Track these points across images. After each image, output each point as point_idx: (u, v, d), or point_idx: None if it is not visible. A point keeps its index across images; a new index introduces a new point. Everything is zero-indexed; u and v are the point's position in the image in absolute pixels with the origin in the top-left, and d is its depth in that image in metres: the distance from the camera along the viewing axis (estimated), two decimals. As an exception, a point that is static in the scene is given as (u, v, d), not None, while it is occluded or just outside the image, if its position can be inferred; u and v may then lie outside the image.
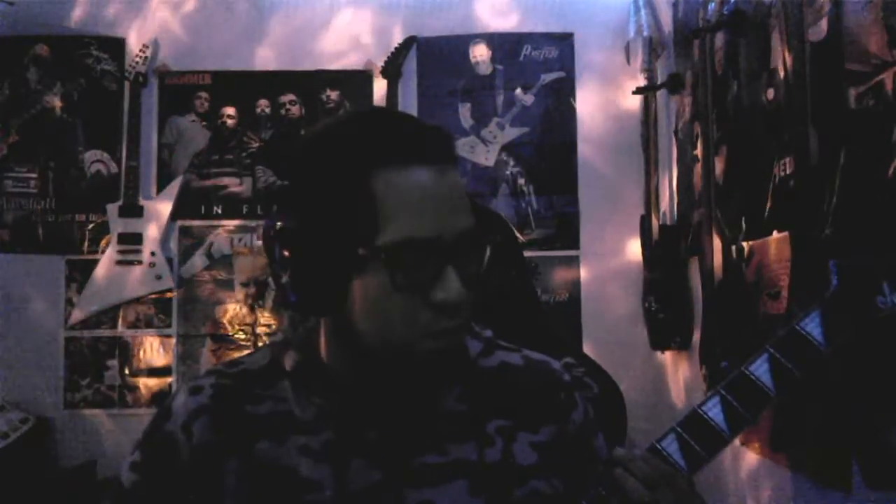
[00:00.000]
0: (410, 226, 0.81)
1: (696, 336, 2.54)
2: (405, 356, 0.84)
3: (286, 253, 0.84)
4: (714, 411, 0.88)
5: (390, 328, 0.83)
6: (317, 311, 0.89)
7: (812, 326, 0.87)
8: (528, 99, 3.32)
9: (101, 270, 3.24)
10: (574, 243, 3.27)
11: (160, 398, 3.20)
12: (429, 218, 0.81)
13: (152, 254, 3.24)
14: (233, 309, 3.28)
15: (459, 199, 0.85)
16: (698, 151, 2.52)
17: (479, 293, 0.86)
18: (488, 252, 0.87)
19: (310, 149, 0.88)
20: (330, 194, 0.83)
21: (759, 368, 0.88)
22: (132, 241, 3.24)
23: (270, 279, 3.32)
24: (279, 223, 0.85)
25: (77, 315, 3.24)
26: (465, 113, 3.33)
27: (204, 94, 3.35)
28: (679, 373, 2.87)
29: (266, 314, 3.28)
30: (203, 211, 3.32)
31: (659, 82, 2.98)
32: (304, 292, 0.85)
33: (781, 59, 1.86)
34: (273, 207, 0.88)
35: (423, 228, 0.81)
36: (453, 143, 0.88)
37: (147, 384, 3.25)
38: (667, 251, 2.84)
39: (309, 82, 3.35)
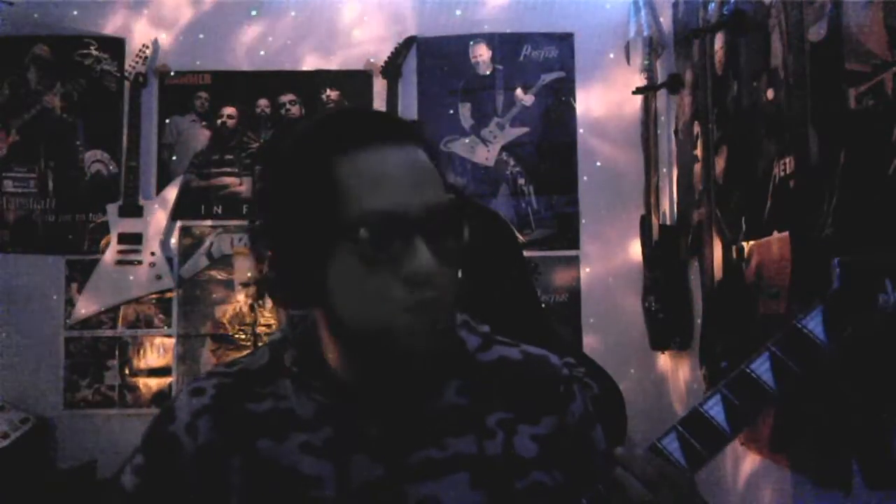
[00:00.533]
0: (373, 199, 0.82)
1: (696, 336, 2.54)
2: (385, 334, 0.84)
3: (266, 250, 0.87)
4: (715, 410, 0.87)
5: (367, 308, 0.83)
6: (300, 302, 0.90)
7: (814, 324, 0.87)
8: (528, 99, 3.33)
9: (101, 270, 3.24)
10: (574, 243, 3.27)
11: (160, 398, 3.20)
12: (389, 192, 0.82)
13: (152, 254, 3.24)
14: (233, 309, 3.28)
15: (424, 175, 0.86)
16: (698, 151, 2.53)
17: (459, 269, 0.87)
18: (466, 228, 0.87)
19: (278, 148, 0.90)
20: (295, 185, 0.85)
21: (761, 367, 0.87)
22: (132, 241, 3.24)
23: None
24: (257, 222, 0.88)
25: (77, 315, 3.24)
26: (465, 113, 3.34)
27: (204, 94, 3.35)
28: (679, 373, 2.87)
29: (266, 314, 3.28)
30: (203, 211, 3.32)
31: (659, 82, 2.98)
32: (285, 285, 0.87)
33: (781, 59, 1.86)
34: (254, 210, 0.91)
35: (385, 201, 0.82)
36: (422, 129, 0.89)
37: (147, 384, 3.25)
38: (667, 251, 2.85)
39: (309, 82, 3.35)
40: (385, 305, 0.82)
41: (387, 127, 0.86)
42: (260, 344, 3.20)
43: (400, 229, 0.82)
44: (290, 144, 0.88)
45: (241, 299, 3.29)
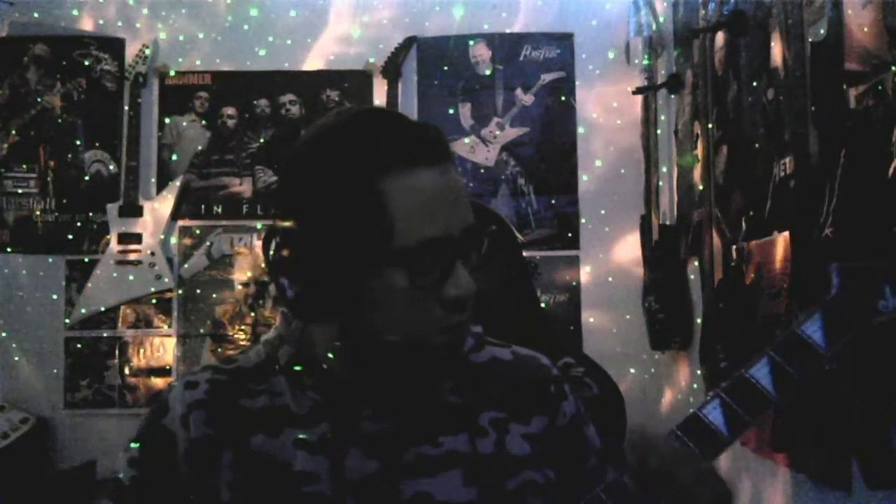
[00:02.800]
0: (424, 226, 0.82)
1: (696, 336, 2.54)
2: (418, 352, 0.86)
3: (293, 260, 0.84)
4: (714, 414, 0.87)
5: (405, 328, 0.85)
6: (328, 316, 0.88)
7: (813, 330, 0.87)
8: (528, 99, 3.32)
9: (101, 270, 3.24)
10: (574, 243, 3.27)
11: (160, 398, 3.20)
12: (440, 217, 0.83)
13: (152, 254, 3.24)
14: (233, 309, 3.28)
15: (463, 196, 0.88)
16: (698, 151, 2.52)
17: (478, 286, 0.88)
18: (485, 245, 0.90)
19: (312, 153, 0.88)
20: (340, 201, 0.83)
21: (760, 372, 0.87)
22: (132, 241, 3.24)
23: (272, 284, 3.30)
24: (284, 231, 0.85)
25: (77, 315, 3.24)
26: (465, 113, 3.33)
27: (204, 94, 3.35)
28: (679, 373, 2.87)
29: (266, 314, 3.28)
30: (203, 211, 3.32)
31: (659, 82, 2.98)
32: (315, 300, 0.85)
33: (781, 59, 1.86)
34: (273, 212, 0.88)
35: (437, 228, 0.83)
36: (447, 140, 0.90)
37: (147, 384, 3.25)
38: (667, 251, 2.84)
39: (309, 82, 3.35)
40: (424, 326, 0.85)
41: (429, 145, 0.86)
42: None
43: (445, 254, 0.84)
44: (332, 154, 0.85)
45: (241, 299, 3.29)
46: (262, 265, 3.27)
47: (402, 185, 0.82)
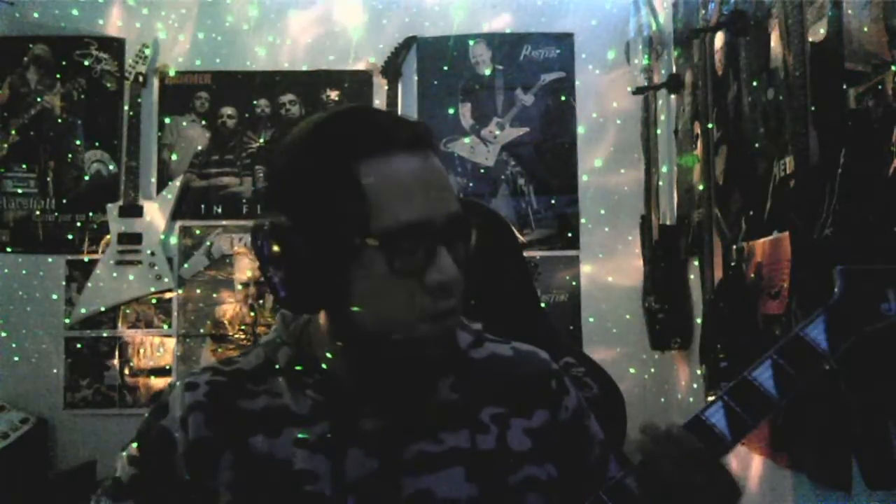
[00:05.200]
0: (403, 211, 0.82)
1: (696, 336, 2.54)
2: (405, 341, 0.85)
3: (279, 253, 0.85)
4: (717, 417, 0.87)
5: (389, 315, 0.84)
6: (316, 307, 0.89)
7: (816, 333, 0.87)
8: (528, 99, 3.33)
9: (101, 270, 3.24)
10: (574, 243, 3.27)
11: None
12: (419, 202, 0.83)
13: (152, 254, 3.24)
14: (233, 309, 3.28)
15: (445, 183, 0.87)
16: (698, 151, 2.53)
17: (467, 277, 0.87)
18: (473, 235, 0.89)
19: (293, 147, 0.89)
20: (318, 189, 0.84)
21: (763, 375, 0.87)
22: (132, 241, 3.24)
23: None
24: (269, 223, 0.86)
25: (77, 315, 3.24)
26: (465, 113, 3.34)
27: (204, 94, 3.35)
28: (679, 373, 2.87)
29: (266, 314, 3.28)
30: (203, 211, 3.32)
31: (659, 82, 2.98)
32: (302, 290, 0.86)
33: (781, 59, 1.86)
34: (263, 210, 0.89)
35: (416, 212, 0.82)
36: (431, 132, 0.90)
37: (147, 384, 3.25)
38: (667, 251, 2.84)
39: (309, 82, 3.35)
40: (409, 313, 0.84)
41: (407, 133, 0.86)
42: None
43: (427, 239, 0.83)
44: (311, 146, 0.87)
45: (241, 299, 3.29)
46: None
47: (378, 169, 0.83)
